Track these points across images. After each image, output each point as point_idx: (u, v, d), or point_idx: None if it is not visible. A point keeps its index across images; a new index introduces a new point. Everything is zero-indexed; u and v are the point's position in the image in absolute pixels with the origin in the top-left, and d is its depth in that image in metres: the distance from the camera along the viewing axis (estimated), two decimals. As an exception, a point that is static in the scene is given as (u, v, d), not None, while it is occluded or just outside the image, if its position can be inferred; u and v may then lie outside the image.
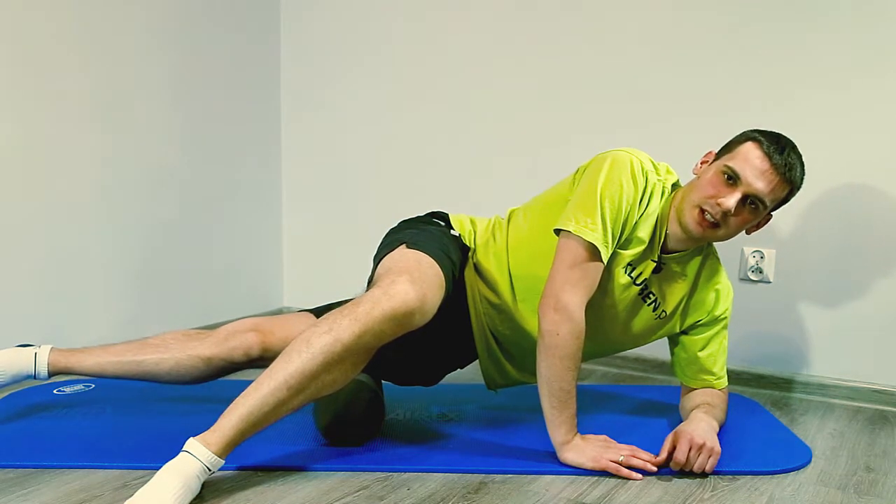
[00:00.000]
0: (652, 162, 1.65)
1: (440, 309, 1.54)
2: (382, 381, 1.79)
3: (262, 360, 1.69)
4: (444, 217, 1.83)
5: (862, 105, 2.10)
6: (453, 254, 1.68)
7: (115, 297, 2.39)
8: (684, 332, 1.77)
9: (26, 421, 1.76)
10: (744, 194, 1.56)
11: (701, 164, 1.66)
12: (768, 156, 1.56)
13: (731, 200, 1.55)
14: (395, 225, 1.82)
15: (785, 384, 2.23)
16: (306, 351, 1.40)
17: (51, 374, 1.73)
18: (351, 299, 1.49)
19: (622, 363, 2.40)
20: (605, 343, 1.75)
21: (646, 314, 1.71)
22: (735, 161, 1.57)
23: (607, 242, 1.56)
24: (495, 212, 1.89)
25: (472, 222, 1.82)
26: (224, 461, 1.38)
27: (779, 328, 2.24)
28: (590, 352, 1.69)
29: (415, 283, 1.45)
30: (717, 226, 1.58)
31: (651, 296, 1.69)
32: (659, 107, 2.32)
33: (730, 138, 1.64)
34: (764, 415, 1.98)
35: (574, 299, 1.54)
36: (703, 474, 1.55)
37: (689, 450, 1.53)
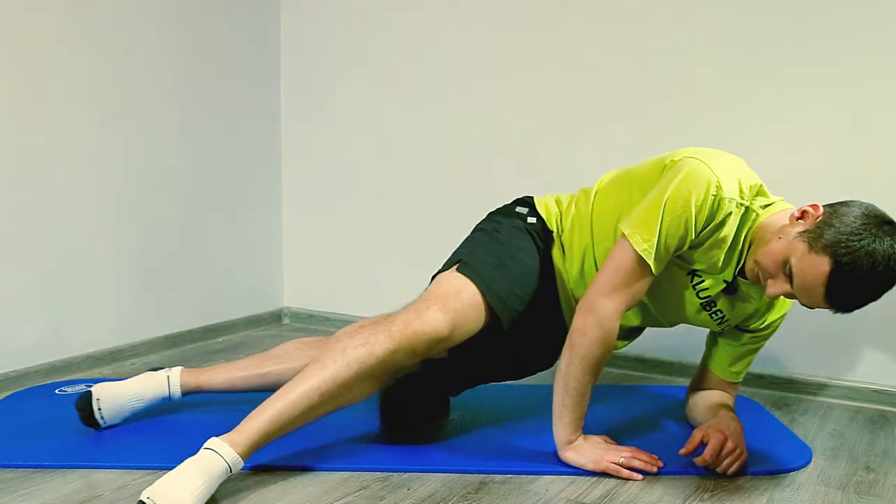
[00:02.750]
0: (740, 176, 1.53)
1: (532, 301, 1.62)
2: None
3: None
4: (528, 202, 1.81)
5: (864, 104, 2.09)
6: (524, 255, 1.69)
7: (115, 297, 2.39)
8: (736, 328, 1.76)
9: (26, 421, 1.76)
10: (792, 293, 1.47)
11: (800, 215, 1.48)
12: (829, 301, 1.43)
13: (775, 291, 1.48)
14: (484, 217, 1.83)
15: (785, 384, 2.23)
16: (342, 360, 1.45)
17: (184, 394, 1.77)
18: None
19: (622, 363, 2.40)
20: (669, 319, 1.74)
21: (707, 321, 1.69)
22: (800, 269, 1.42)
23: (660, 257, 1.51)
24: (495, 212, 1.89)
25: (558, 202, 1.80)
26: (244, 463, 1.38)
27: (779, 328, 2.24)
28: (642, 324, 1.75)
29: (447, 313, 1.52)
30: None
31: (718, 313, 1.66)
32: (663, 101, 2.31)
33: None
34: (764, 415, 1.98)
35: (611, 306, 1.52)
36: (714, 474, 1.54)
37: (721, 451, 1.52)
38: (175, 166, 2.54)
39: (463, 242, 1.77)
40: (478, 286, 1.60)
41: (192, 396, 1.81)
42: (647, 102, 2.33)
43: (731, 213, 1.52)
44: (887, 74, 2.06)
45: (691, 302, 1.65)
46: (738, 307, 1.66)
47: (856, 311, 2.12)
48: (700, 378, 1.84)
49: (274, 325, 2.91)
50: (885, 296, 2.09)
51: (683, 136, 2.27)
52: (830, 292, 1.41)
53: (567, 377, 1.55)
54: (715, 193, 1.49)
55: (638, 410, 1.98)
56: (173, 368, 1.79)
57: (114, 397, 1.71)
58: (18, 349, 2.12)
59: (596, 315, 1.52)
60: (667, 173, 1.56)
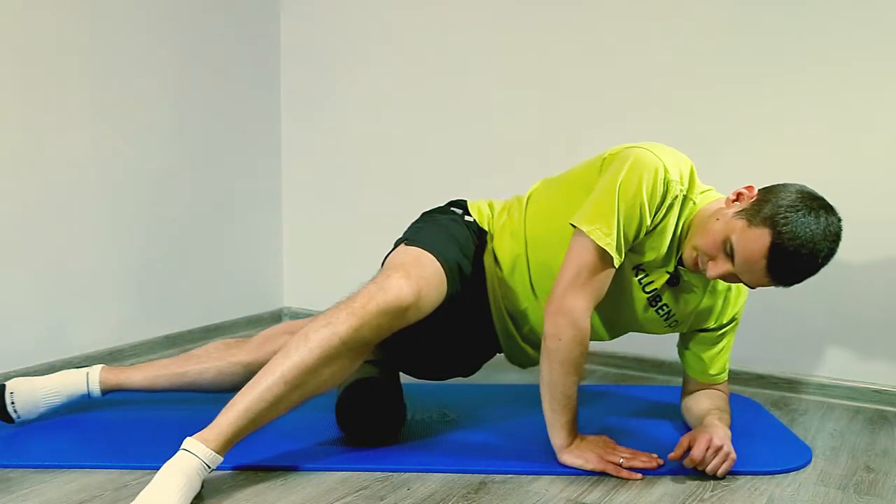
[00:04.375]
0: (681, 164, 1.55)
1: (460, 296, 1.56)
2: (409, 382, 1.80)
3: None
4: (461, 205, 1.82)
5: (863, 103, 2.09)
6: (463, 240, 1.68)
7: (115, 297, 2.39)
8: (689, 334, 1.77)
9: (26, 421, 1.76)
10: (734, 273, 1.47)
11: (735, 197, 1.52)
12: (771, 274, 1.43)
13: (715, 272, 1.48)
14: (417, 217, 1.82)
15: (785, 384, 2.23)
16: (304, 346, 1.41)
17: (104, 392, 1.78)
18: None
19: (622, 363, 2.40)
20: (612, 326, 1.73)
21: (655, 319, 1.69)
22: (741, 245, 1.43)
23: (620, 248, 1.51)
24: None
25: (490, 206, 1.80)
26: (223, 458, 1.38)
27: (779, 328, 2.24)
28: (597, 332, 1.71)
29: (410, 279, 1.46)
30: None
31: (664, 308, 1.66)
32: (666, 99, 2.31)
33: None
34: (764, 415, 1.98)
35: (579, 303, 1.51)
36: (712, 476, 1.54)
37: (707, 449, 1.52)
38: (175, 166, 2.54)
39: (403, 234, 1.74)
40: (433, 254, 1.58)
41: (196, 394, 1.81)
42: (647, 103, 2.33)
43: (677, 198, 1.54)
44: (888, 75, 2.06)
45: (638, 299, 1.64)
46: (682, 300, 1.66)
47: (856, 311, 2.14)
48: (687, 384, 1.84)
49: (274, 325, 2.91)
50: (885, 296, 2.10)
51: (685, 136, 2.27)
52: (772, 264, 1.42)
53: (551, 384, 1.54)
54: (664, 177, 1.51)
55: (637, 410, 1.98)
56: (94, 366, 1.79)
57: (29, 391, 1.71)
58: (18, 349, 2.12)
59: (567, 315, 1.51)
60: (609, 166, 1.56)
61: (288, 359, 1.41)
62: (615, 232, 1.50)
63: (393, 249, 1.67)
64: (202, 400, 1.83)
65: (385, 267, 1.56)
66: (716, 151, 2.24)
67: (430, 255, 1.57)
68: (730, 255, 1.46)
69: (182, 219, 2.58)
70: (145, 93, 2.43)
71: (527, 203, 1.73)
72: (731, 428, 1.71)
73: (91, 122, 2.28)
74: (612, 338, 1.77)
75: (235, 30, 2.71)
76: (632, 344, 2.14)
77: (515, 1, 2.50)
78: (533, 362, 1.80)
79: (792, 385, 2.22)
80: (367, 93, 2.77)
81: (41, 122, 2.15)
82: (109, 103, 2.33)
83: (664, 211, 1.54)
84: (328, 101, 2.84)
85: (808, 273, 1.45)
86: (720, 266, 1.48)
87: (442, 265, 1.57)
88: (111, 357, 2.33)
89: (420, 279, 1.48)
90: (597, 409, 1.95)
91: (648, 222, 1.53)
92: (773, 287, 1.50)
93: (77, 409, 1.80)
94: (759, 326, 2.26)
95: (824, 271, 2.17)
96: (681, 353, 1.81)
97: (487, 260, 1.72)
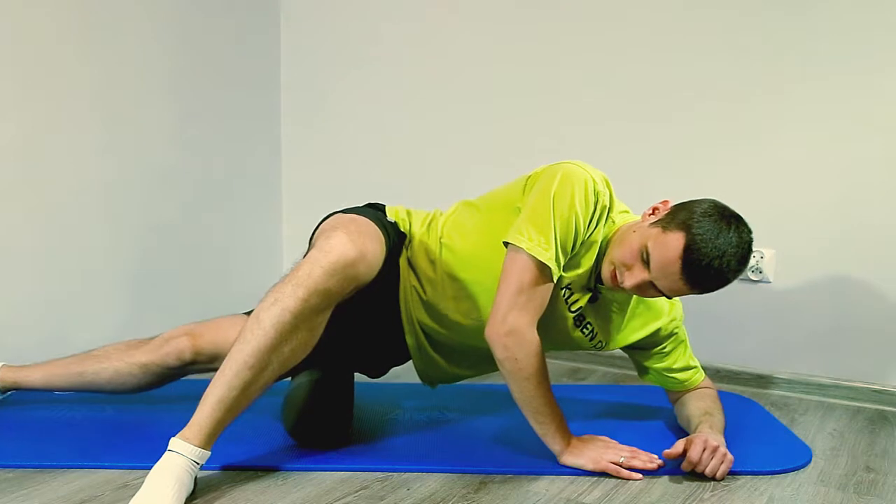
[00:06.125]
0: (606, 181, 1.56)
1: (371, 295, 1.53)
2: (391, 380, 1.78)
3: (195, 364, 1.73)
4: (380, 207, 1.79)
5: (862, 104, 2.09)
6: (389, 229, 1.65)
7: (115, 297, 2.39)
8: (634, 350, 1.76)
9: (26, 421, 1.76)
10: (650, 282, 1.48)
11: (651, 211, 1.55)
12: (686, 276, 1.44)
13: (632, 280, 1.48)
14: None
15: (785, 384, 2.23)
16: (258, 328, 1.39)
17: (2, 391, 1.81)
18: None
19: (622, 363, 2.40)
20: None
21: (581, 339, 1.67)
22: (657, 250, 1.44)
23: (559, 261, 1.50)
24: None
25: (409, 213, 1.77)
26: (210, 452, 1.38)
27: (779, 328, 2.24)
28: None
29: (351, 235, 1.43)
30: None
31: (588, 326, 1.65)
32: (657, 104, 2.32)
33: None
34: (764, 415, 1.98)
35: (523, 320, 1.49)
36: (712, 478, 1.54)
37: (704, 451, 1.52)
38: (175, 166, 2.54)
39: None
40: (367, 217, 1.57)
41: (197, 394, 1.80)
42: (648, 103, 2.33)
43: (605, 208, 1.54)
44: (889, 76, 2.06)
45: (566, 318, 1.62)
46: (603, 318, 1.65)
47: (856, 311, 2.14)
48: (669, 393, 1.85)
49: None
50: (885, 296, 2.10)
51: (688, 135, 2.27)
52: (686, 266, 1.43)
53: (526, 402, 1.53)
54: (594, 188, 1.51)
55: (637, 410, 1.98)
56: None
57: None
58: (18, 349, 2.12)
59: (516, 335, 1.48)
60: (537, 183, 1.54)
61: (247, 344, 1.39)
62: (553, 245, 1.48)
63: (318, 227, 1.64)
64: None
65: (321, 231, 1.53)
66: (715, 156, 2.24)
67: (365, 218, 1.56)
68: (646, 263, 1.46)
69: (182, 219, 2.58)
70: (145, 93, 2.43)
71: (447, 221, 1.70)
72: (732, 428, 1.71)
73: (91, 122, 2.28)
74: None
75: (235, 30, 2.71)
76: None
77: (515, 3, 2.50)
78: (444, 376, 1.79)
79: (792, 385, 2.22)
80: (366, 93, 2.77)
81: (41, 122, 2.16)
82: (109, 103, 2.33)
83: (594, 223, 1.54)
84: (328, 101, 2.84)
85: (721, 276, 1.45)
86: (636, 275, 1.48)
87: (379, 229, 1.55)
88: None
89: (361, 235, 1.45)
90: (597, 410, 1.95)
91: (583, 233, 1.52)
92: (690, 295, 1.50)
93: (158, 411, 1.80)
94: (759, 327, 2.26)
95: (825, 273, 2.18)
96: (645, 378, 1.81)
97: (402, 264, 1.70)
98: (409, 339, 1.72)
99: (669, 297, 1.54)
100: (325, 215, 1.73)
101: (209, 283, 2.69)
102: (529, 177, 1.60)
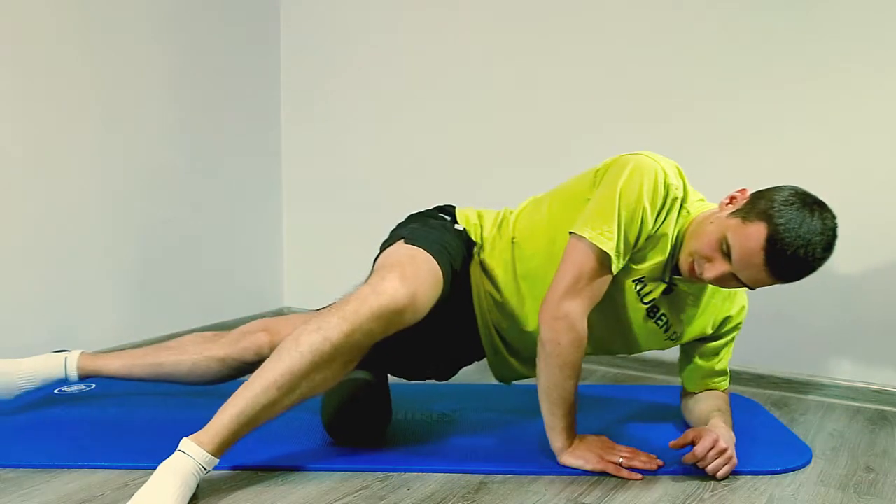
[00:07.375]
0: (679, 172, 1.55)
1: (446, 304, 1.53)
2: (390, 381, 1.78)
3: None
4: (450, 211, 1.79)
5: (863, 104, 2.09)
6: (454, 249, 1.64)
7: (116, 297, 2.39)
8: (690, 343, 1.76)
9: (26, 421, 1.76)
10: (732, 273, 1.46)
11: (729, 200, 1.52)
12: (770, 267, 1.41)
13: (713, 273, 1.46)
14: (403, 219, 1.80)
15: (785, 384, 2.23)
16: (295, 350, 1.39)
17: (81, 378, 1.79)
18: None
19: (622, 363, 2.40)
20: (603, 346, 1.71)
21: (655, 331, 1.66)
22: (738, 241, 1.42)
23: (620, 253, 1.50)
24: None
25: (480, 216, 1.77)
26: (219, 460, 1.38)
27: (779, 328, 2.24)
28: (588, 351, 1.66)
29: (405, 280, 1.41)
30: None
31: (663, 318, 1.64)
32: (665, 103, 2.31)
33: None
34: (764, 415, 1.98)
35: (576, 308, 1.49)
36: (711, 477, 1.54)
37: (711, 449, 1.51)
38: (175, 166, 2.54)
39: (392, 233, 1.71)
40: (429, 253, 1.54)
41: (197, 394, 1.81)
42: (648, 104, 2.33)
43: (675, 200, 1.53)
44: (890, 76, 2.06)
45: (638, 310, 1.62)
46: (678, 309, 1.65)
47: (856, 311, 2.14)
48: (686, 390, 1.83)
49: (274, 325, 2.91)
50: (885, 296, 2.10)
51: (688, 135, 2.27)
52: (770, 257, 1.40)
53: (549, 389, 1.53)
54: (664, 180, 1.50)
55: (637, 410, 1.98)
56: (73, 351, 1.80)
57: (4, 374, 1.72)
58: (19, 349, 2.11)
59: (564, 320, 1.49)
60: (607, 175, 1.54)
61: (280, 363, 1.38)
62: (616, 236, 1.48)
63: (382, 248, 1.65)
64: (202, 400, 1.83)
65: (379, 266, 1.52)
66: (715, 157, 2.24)
67: (426, 253, 1.54)
68: (727, 255, 1.45)
69: (182, 219, 2.58)
70: (145, 93, 2.43)
71: (517, 219, 1.70)
72: (733, 428, 1.71)
73: (92, 123, 2.28)
74: (606, 350, 1.73)
75: (235, 30, 2.71)
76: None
77: (515, 3, 2.50)
78: (518, 376, 1.80)
79: (792, 385, 2.22)
80: (367, 93, 2.77)
81: (41, 121, 2.16)
82: (110, 104, 2.33)
83: (664, 215, 1.53)
84: (328, 102, 2.84)
85: (806, 266, 1.42)
86: (717, 267, 1.46)
87: (439, 264, 1.54)
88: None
89: (416, 279, 1.43)
90: (597, 409, 1.95)
91: (650, 227, 1.51)
92: (773, 286, 1.49)
93: (158, 411, 1.81)
94: (759, 327, 2.26)
95: (825, 272, 2.18)
96: (682, 367, 1.80)
97: (475, 271, 1.70)
98: (485, 342, 1.73)
99: (752, 288, 1.50)
100: (394, 227, 1.74)
101: (209, 283, 2.69)
102: (598, 169, 1.59)
